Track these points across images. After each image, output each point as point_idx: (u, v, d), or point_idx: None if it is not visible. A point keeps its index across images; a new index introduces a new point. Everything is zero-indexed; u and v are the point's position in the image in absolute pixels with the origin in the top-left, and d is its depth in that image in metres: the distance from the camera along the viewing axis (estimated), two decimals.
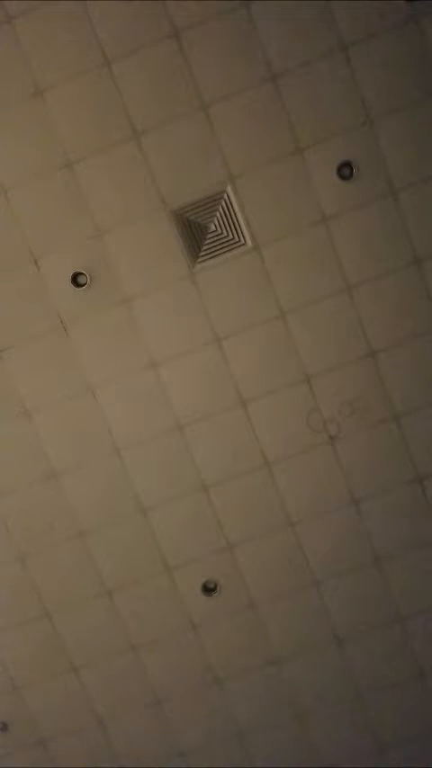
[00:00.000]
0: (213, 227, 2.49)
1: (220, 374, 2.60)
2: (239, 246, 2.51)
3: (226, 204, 2.48)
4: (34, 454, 2.67)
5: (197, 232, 2.50)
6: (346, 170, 2.45)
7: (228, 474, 2.67)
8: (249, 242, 2.50)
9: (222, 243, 2.50)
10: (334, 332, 2.56)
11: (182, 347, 2.58)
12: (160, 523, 2.72)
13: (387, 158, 2.44)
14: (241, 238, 2.50)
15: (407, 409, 2.61)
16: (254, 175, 2.46)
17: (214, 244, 2.50)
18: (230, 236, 2.50)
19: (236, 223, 2.49)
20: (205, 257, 2.51)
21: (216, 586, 2.76)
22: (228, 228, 2.49)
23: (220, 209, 2.48)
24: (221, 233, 2.49)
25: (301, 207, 2.48)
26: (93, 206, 2.49)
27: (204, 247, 2.51)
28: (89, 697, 2.89)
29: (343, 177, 2.45)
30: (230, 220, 2.48)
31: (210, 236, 2.50)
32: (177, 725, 2.91)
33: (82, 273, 2.54)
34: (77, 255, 2.53)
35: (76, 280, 2.55)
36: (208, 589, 2.76)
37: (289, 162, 2.45)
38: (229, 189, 2.47)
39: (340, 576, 2.74)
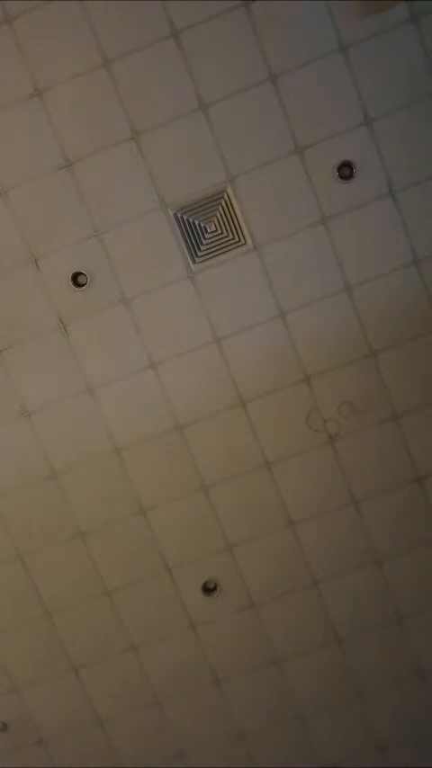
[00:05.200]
0: (213, 227, 2.49)
1: (220, 374, 2.60)
2: (239, 246, 2.51)
3: (226, 204, 2.48)
4: (34, 454, 2.67)
5: (197, 232, 2.50)
6: (346, 170, 2.45)
7: (227, 474, 2.67)
8: (249, 242, 2.50)
9: (222, 243, 2.50)
10: (334, 332, 2.56)
11: (182, 347, 2.58)
12: (160, 523, 2.72)
13: (387, 158, 2.44)
14: (241, 238, 2.50)
15: (407, 409, 2.61)
16: (254, 175, 2.46)
17: (214, 244, 2.50)
18: (230, 236, 2.50)
19: (236, 223, 2.49)
20: (205, 257, 2.51)
21: (216, 586, 2.76)
22: (228, 228, 2.49)
23: (220, 209, 2.48)
24: (221, 233, 2.49)
25: (301, 207, 2.48)
26: (93, 206, 2.49)
27: (204, 247, 2.51)
28: (89, 697, 2.89)
29: (343, 177, 2.45)
30: (230, 220, 2.48)
31: (210, 236, 2.50)
32: (177, 725, 2.91)
33: (82, 273, 2.54)
34: (77, 255, 2.53)
35: (76, 280, 2.55)
36: (208, 589, 2.76)
37: (289, 162, 2.45)
38: (229, 189, 2.47)
39: (340, 576, 2.74)
